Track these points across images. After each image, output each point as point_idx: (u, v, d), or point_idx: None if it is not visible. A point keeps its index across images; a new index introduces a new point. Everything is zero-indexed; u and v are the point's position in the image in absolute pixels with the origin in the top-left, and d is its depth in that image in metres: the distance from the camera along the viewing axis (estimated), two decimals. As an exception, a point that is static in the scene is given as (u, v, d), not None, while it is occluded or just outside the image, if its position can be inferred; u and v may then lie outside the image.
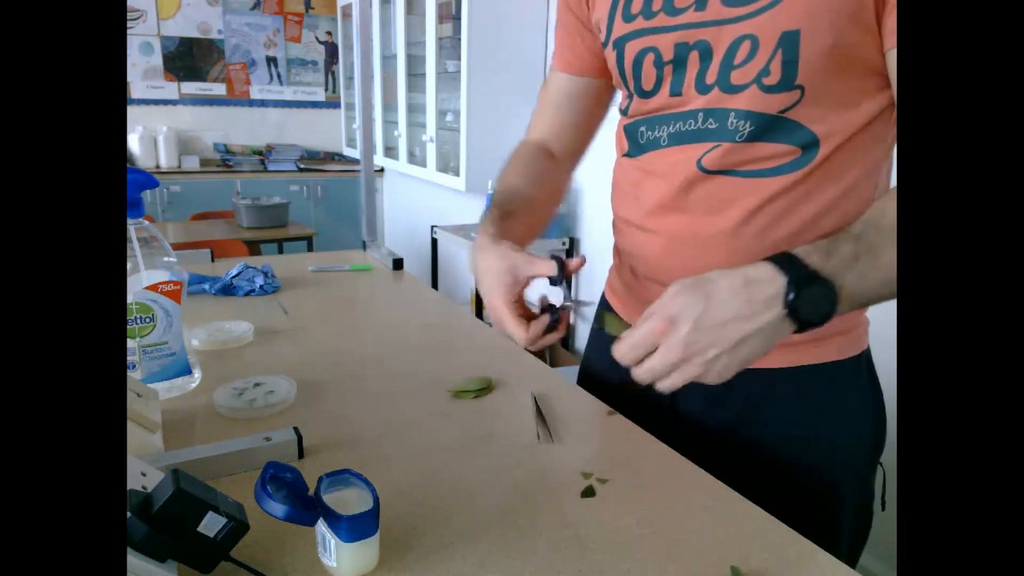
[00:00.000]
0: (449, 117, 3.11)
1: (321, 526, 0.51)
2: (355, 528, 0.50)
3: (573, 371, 1.03)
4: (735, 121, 0.67)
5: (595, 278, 2.73)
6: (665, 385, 0.57)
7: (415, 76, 3.36)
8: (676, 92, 0.70)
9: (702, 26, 0.66)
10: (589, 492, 0.64)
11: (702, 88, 0.68)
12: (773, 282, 0.55)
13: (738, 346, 0.55)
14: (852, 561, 0.79)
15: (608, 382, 0.89)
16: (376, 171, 4.20)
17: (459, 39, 2.78)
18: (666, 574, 0.54)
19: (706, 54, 0.67)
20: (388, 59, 3.68)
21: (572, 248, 2.74)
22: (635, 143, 0.78)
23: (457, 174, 2.93)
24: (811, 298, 0.54)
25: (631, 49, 0.72)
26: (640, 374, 0.58)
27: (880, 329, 0.92)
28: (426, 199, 4.02)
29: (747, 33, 0.63)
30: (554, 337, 0.69)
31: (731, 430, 0.78)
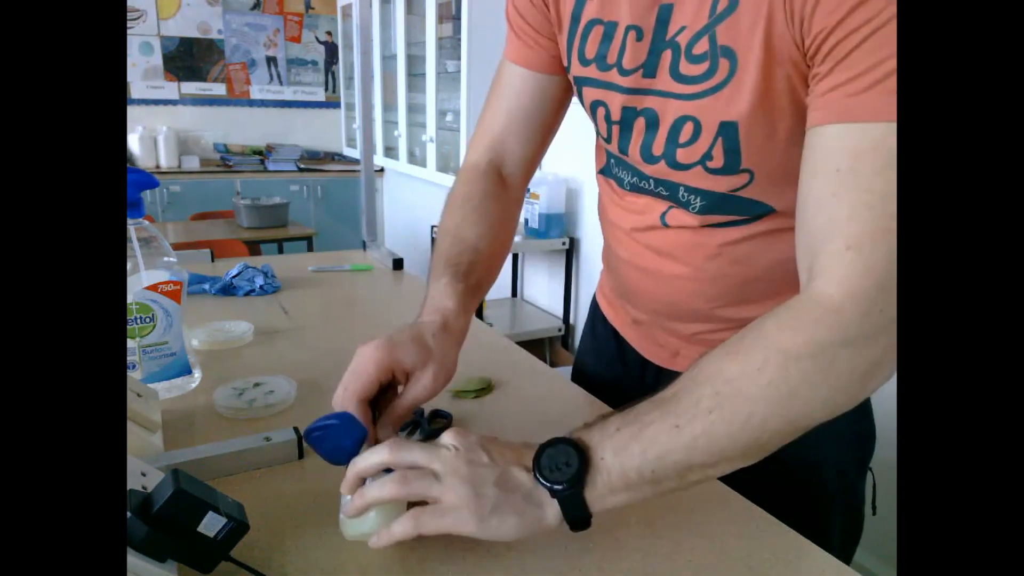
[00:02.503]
0: (449, 117, 3.11)
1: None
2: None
3: (573, 371, 1.03)
4: (686, 195, 0.66)
5: (595, 276, 2.73)
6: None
7: (415, 76, 3.36)
8: (623, 151, 0.68)
9: (650, 94, 0.62)
10: (589, 492, 0.64)
11: (648, 158, 0.66)
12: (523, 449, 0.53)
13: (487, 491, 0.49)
14: (843, 560, 0.79)
15: (601, 381, 0.90)
16: (376, 171, 4.20)
17: (459, 39, 2.78)
18: (666, 574, 0.53)
19: (652, 123, 0.63)
20: (388, 59, 3.68)
21: (572, 248, 2.74)
22: (609, 167, 0.76)
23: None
24: (552, 456, 0.50)
25: (588, 95, 0.69)
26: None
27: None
28: (426, 199, 4.02)
29: (690, 114, 0.60)
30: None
31: None
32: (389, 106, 3.78)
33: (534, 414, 0.82)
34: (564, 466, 0.49)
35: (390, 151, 3.82)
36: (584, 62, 0.68)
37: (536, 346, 2.86)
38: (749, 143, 0.59)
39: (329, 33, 4.72)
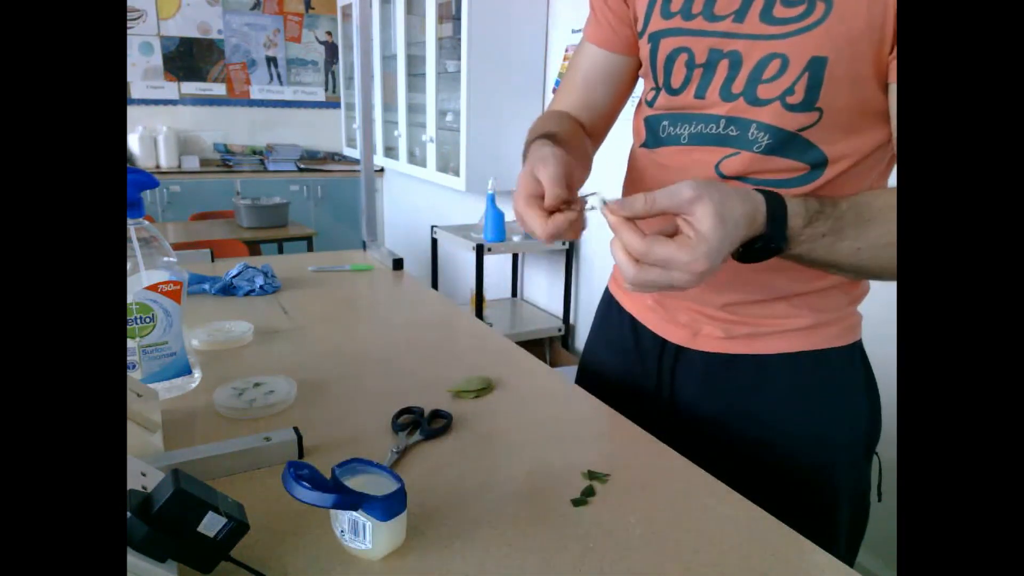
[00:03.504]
0: (449, 117, 3.11)
1: (350, 513, 0.53)
2: (389, 507, 0.53)
3: (573, 371, 1.03)
4: (756, 132, 0.69)
5: (595, 275, 2.73)
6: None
7: (415, 76, 3.36)
8: (700, 95, 0.72)
9: (738, 37, 0.68)
10: (589, 492, 0.64)
11: (727, 96, 0.70)
12: (755, 226, 0.58)
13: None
14: (852, 551, 0.81)
15: (614, 373, 0.90)
16: (376, 171, 4.20)
17: (459, 39, 2.78)
18: (666, 574, 0.54)
19: (736, 64, 0.69)
20: (388, 59, 3.68)
21: (572, 248, 2.75)
22: (654, 135, 0.79)
23: (457, 174, 2.93)
24: (761, 256, 0.60)
25: (666, 46, 0.74)
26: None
27: (878, 327, 0.92)
28: (426, 199, 4.02)
29: (779, 52, 0.66)
30: (570, 233, 0.65)
31: (729, 419, 0.79)
32: (389, 106, 3.78)
33: (534, 414, 0.82)
34: (764, 257, 0.60)
35: (390, 151, 3.82)
36: (667, 15, 0.73)
37: (536, 346, 2.86)
38: (832, 79, 0.64)
39: (329, 33, 4.72)
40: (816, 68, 0.64)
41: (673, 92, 0.75)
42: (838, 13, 0.62)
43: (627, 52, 0.83)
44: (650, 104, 0.80)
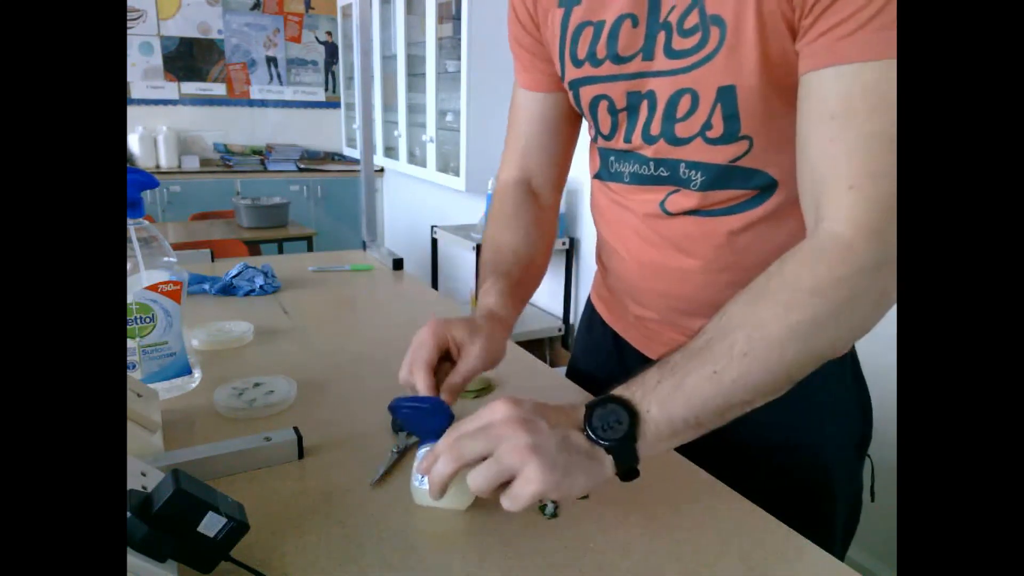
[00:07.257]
0: (449, 117, 3.11)
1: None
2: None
3: (573, 371, 1.03)
4: (686, 171, 0.67)
5: (589, 281, 2.72)
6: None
7: (415, 76, 3.36)
8: (627, 140, 0.70)
9: (650, 76, 0.65)
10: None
11: (648, 139, 0.68)
12: (571, 417, 0.54)
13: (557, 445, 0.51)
14: (844, 547, 0.81)
15: (598, 382, 0.90)
16: (376, 171, 4.20)
17: (459, 39, 2.78)
18: (666, 574, 0.54)
19: (653, 104, 0.66)
20: (388, 59, 3.68)
21: (572, 248, 2.75)
22: (606, 168, 0.77)
23: (457, 174, 2.93)
24: (603, 415, 0.53)
25: (585, 94, 0.71)
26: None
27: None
28: (426, 199, 4.02)
29: (687, 87, 0.62)
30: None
31: (725, 427, 0.78)
32: (389, 106, 3.78)
33: (534, 414, 0.81)
34: (616, 424, 0.52)
35: (390, 151, 3.82)
36: (577, 63, 0.70)
37: (536, 346, 2.86)
38: (747, 106, 0.60)
39: (329, 33, 4.72)
40: (727, 98, 0.60)
41: (605, 137, 0.73)
42: (732, 38, 0.58)
43: (557, 89, 0.79)
44: (594, 140, 0.78)
